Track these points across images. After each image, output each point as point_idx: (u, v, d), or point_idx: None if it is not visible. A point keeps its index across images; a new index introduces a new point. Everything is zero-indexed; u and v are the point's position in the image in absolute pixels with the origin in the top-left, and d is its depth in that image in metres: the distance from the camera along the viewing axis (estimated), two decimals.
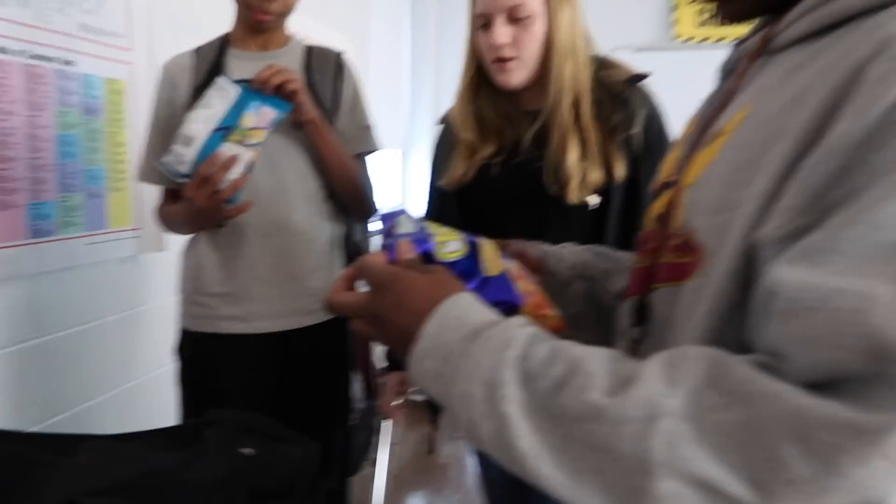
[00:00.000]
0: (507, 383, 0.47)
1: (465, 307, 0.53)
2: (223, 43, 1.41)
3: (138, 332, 1.77)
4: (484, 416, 0.48)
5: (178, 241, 1.50)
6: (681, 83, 4.19)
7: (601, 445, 0.44)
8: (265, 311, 1.38)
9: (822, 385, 0.40)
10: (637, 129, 1.16)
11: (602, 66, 1.22)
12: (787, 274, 0.42)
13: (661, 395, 0.43)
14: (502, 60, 1.15)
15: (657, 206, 0.65)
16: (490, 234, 0.99)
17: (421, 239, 0.61)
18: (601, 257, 0.82)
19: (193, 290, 1.40)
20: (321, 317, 1.42)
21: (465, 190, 1.22)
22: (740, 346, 0.47)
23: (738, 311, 0.49)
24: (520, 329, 0.51)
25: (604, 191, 1.16)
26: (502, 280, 0.61)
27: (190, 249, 1.44)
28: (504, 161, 1.20)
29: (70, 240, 1.55)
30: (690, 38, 4.38)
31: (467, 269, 0.59)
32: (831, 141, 0.43)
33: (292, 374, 1.41)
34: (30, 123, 1.46)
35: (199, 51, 1.42)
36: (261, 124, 1.23)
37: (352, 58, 1.48)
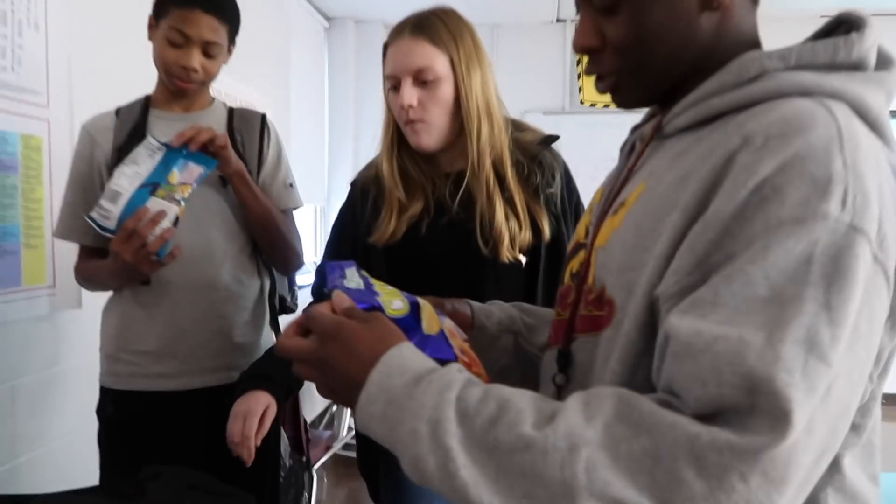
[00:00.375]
0: (449, 420, 0.53)
1: (407, 356, 0.59)
2: (145, 104, 1.43)
3: (54, 393, 1.71)
4: (429, 451, 0.53)
5: (94, 299, 1.47)
6: (586, 143, 4.51)
7: (532, 472, 0.50)
8: (194, 367, 1.37)
9: (711, 416, 0.49)
10: (554, 188, 1.22)
11: (515, 127, 1.26)
12: (678, 322, 0.52)
13: (581, 426, 0.51)
14: (411, 122, 1.17)
15: (574, 264, 0.74)
16: (421, 291, 1.05)
17: (367, 294, 0.66)
18: (526, 313, 0.90)
19: (117, 347, 1.38)
20: None
21: (392, 247, 1.21)
22: (650, 388, 0.55)
23: (645, 357, 0.57)
24: (458, 373, 0.57)
25: (532, 249, 1.20)
26: (441, 338, 0.67)
27: (112, 307, 1.42)
28: (432, 221, 1.20)
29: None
30: (594, 104, 4.72)
31: (409, 327, 0.65)
32: (709, 216, 0.54)
33: (221, 429, 1.39)
34: None
35: (119, 112, 1.42)
36: (187, 180, 1.25)
37: (273, 117, 1.53)
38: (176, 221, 1.24)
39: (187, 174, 1.26)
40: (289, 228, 1.47)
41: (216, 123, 1.43)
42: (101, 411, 1.40)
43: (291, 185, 1.51)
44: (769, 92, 0.58)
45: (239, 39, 1.38)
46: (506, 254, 1.16)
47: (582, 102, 4.70)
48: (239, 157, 1.39)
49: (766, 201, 0.51)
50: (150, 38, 1.35)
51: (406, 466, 0.55)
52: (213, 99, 1.48)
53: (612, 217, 0.67)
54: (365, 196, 1.26)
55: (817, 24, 0.64)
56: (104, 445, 1.40)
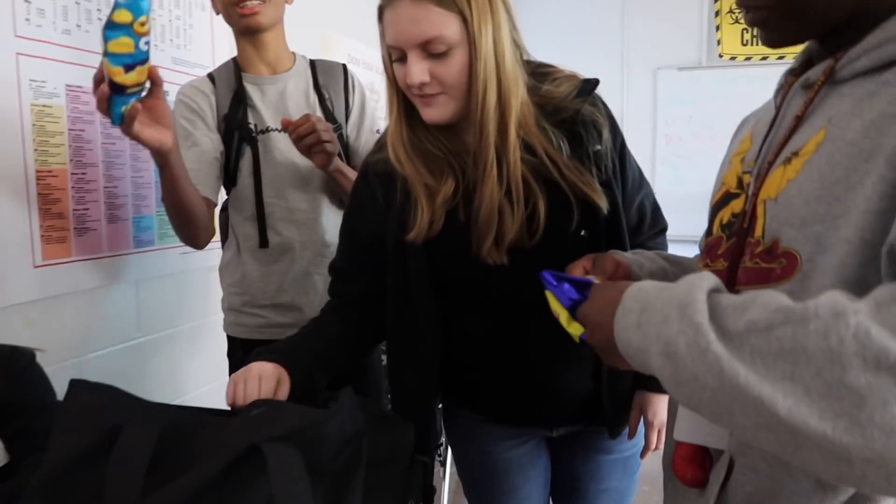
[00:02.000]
0: (699, 301, 0.53)
1: (651, 282, 0.63)
2: (236, 68, 1.46)
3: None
4: (679, 332, 0.53)
5: None
6: (725, 99, 4.25)
7: (792, 348, 0.47)
8: (311, 317, 1.50)
9: None
10: (602, 146, 1.04)
11: (542, 77, 1.05)
12: None
13: (845, 298, 0.48)
14: (425, 97, 0.98)
15: (723, 215, 0.72)
16: (473, 286, 1.06)
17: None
18: (671, 263, 0.90)
19: (242, 302, 1.51)
20: None
21: (433, 241, 1.04)
22: None
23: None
24: (712, 275, 0.58)
25: (588, 223, 1.04)
26: None
27: (232, 266, 1.53)
28: (469, 202, 1.03)
29: (166, 249, 1.73)
30: (734, 57, 4.44)
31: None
32: None
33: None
34: (133, 146, 1.64)
35: (212, 78, 1.47)
36: (105, 32, 1.03)
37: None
38: (115, 87, 1.05)
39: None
40: None
41: (302, 80, 1.49)
42: (232, 356, 1.55)
43: (378, 131, 1.55)
44: None
45: (373, 2, 1.26)
46: (492, 256, 1.01)
47: (721, 56, 4.44)
48: (328, 111, 1.46)
49: None
50: (215, 7, 1.43)
51: (656, 360, 0.55)
52: (295, 55, 1.53)
53: (783, 166, 0.64)
54: (385, 184, 1.08)
55: None
56: None
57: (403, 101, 1.03)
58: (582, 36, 4.44)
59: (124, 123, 1.09)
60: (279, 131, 1.46)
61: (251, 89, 1.46)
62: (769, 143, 0.70)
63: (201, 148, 1.41)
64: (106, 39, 1.03)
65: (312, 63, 1.53)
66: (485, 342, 1.11)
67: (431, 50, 0.94)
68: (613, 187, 1.05)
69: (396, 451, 0.97)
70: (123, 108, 1.08)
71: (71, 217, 1.48)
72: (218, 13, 1.45)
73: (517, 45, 1.01)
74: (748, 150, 0.74)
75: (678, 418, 0.73)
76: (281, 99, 1.46)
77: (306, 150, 1.37)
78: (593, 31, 4.44)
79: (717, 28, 4.46)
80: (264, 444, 0.71)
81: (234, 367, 1.53)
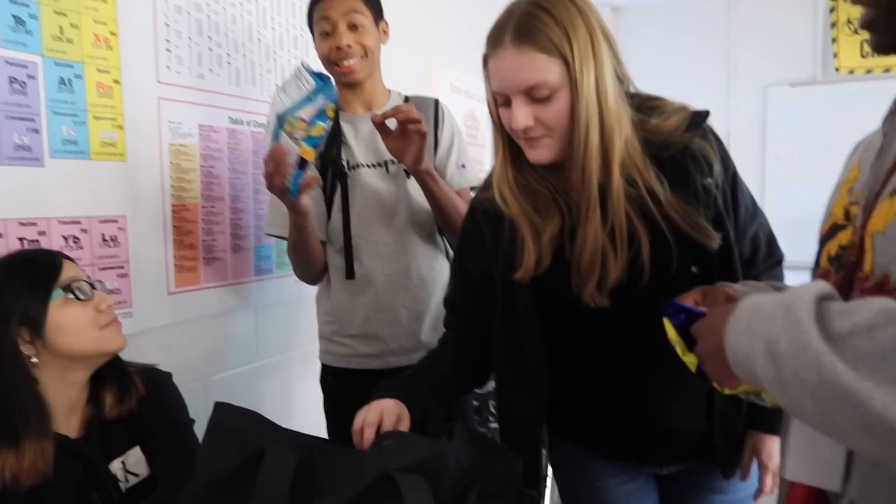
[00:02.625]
0: (805, 301, 0.55)
1: (759, 297, 0.63)
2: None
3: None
4: (783, 330, 0.55)
5: None
6: (843, 116, 4.01)
7: (893, 348, 0.49)
8: (396, 348, 1.54)
9: None
10: (714, 178, 1.02)
11: (650, 111, 1.04)
12: None
13: None
14: (530, 139, 1.00)
15: (831, 248, 0.71)
16: (581, 322, 1.05)
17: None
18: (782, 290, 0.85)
19: (332, 332, 1.57)
20: None
21: (540, 278, 1.04)
22: None
23: None
24: (822, 284, 0.58)
25: (700, 257, 1.02)
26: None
27: (323, 297, 1.61)
28: (573, 240, 1.02)
29: (283, 278, 1.83)
30: (852, 70, 4.19)
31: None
32: None
33: None
34: (255, 180, 1.75)
35: None
36: (305, 117, 1.23)
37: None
38: (303, 163, 1.25)
39: (309, 110, 1.24)
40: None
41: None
42: (323, 381, 1.62)
43: (464, 166, 1.58)
44: None
45: (475, 34, 1.17)
46: (594, 299, 1.00)
47: (838, 70, 4.20)
48: None
49: None
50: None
51: (760, 360, 0.57)
52: (390, 91, 1.58)
53: (891, 198, 0.62)
54: (492, 222, 1.10)
55: None
56: (329, 413, 1.62)
57: (509, 142, 1.05)
58: (686, 57, 4.33)
59: (301, 192, 1.29)
60: (369, 167, 1.53)
61: (346, 127, 1.53)
62: (876, 172, 0.67)
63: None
64: (310, 125, 1.23)
65: (406, 99, 1.59)
66: (591, 378, 1.10)
67: (535, 95, 0.96)
68: (725, 221, 1.03)
69: (506, 484, 0.97)
70: (300, 180, 1.27)
71: (200, 247, 1.59)
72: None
73: (621, 78, 1.01)
74: (856, 178, 0.71)
75: (787, 456, 0.71)
76: (373, 135, 1.52)
77: (397, 144, 1.36)
78: (699, 53, 4.32)
79: (834, 40, 4.22)
80: (396, 474, 0.73)
81: (325, 393, 1.61)
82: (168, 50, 1.50)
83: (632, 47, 4.66)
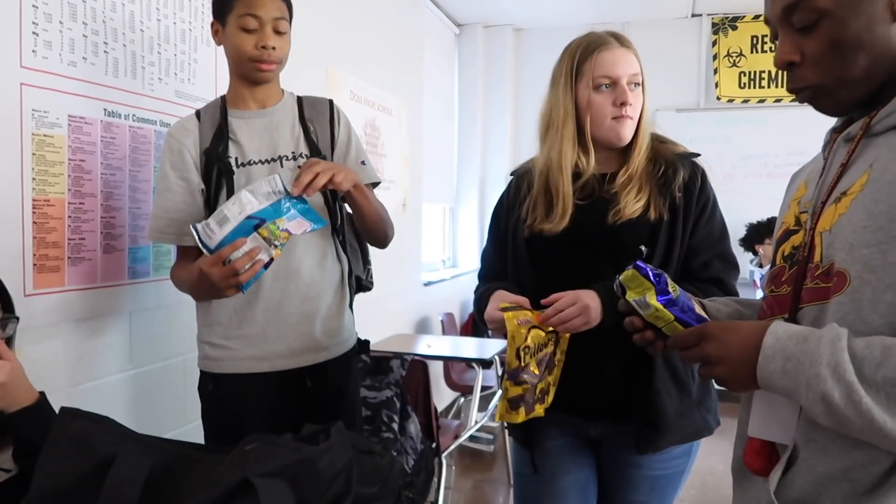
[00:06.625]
0: (846, 362, 0.69)
1: (785, 327, 0.76)
2: (223, 105, 1.48)
3: None
4: (834, 388, 0.69)
5: None
6: (723, 139, 4.29)
7: None
8: (284, 350, 1.48)
9: None
10: (675, 185, 1.34)
11: (659, 141, 1.42)
12: None
13: None
14: (623, 117, 1.34)
15: (785, 248, 0.87)
16: (560, 277, 1.29)
17: (691, 311, 0.95)
18: (744, 305, 1.06)
19: (212, 334, 1.48)
20: (333, 353, 1.52)
21: (560, 234, 1.35)
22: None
23: None
24: (838, 328, 0.72)
25: (650, 240, 1.32)
26: (682, 294, 0.97)
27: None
28: (586, 208, 1.35)
29: (161, 281, 1.72)
30: (731, 99, 4.51)
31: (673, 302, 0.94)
32: None
33: (308, 406, 1.50)
34: (132, 178, 1.65)
35: (199, 114, 1.49)
36: (293, 230, 1.29)
37: (408, 119, 1.58)
38: (269, 263, 1.28)
39: (294, 225, 1.29)
40: (382, 207, 1.53)
41: (289, 115, 1.51)
42: (202, 390, 1.51)
43: (363, 162, 1.56)
44: None
45: (376, 45, 1.40)
46: (624, 213, 1.32)
47: (719, 98, 4.51)
48: (312, 144, 1.48)
49: None
50: (220, 42, 1.46)
51: (812, 404, 0.71)
52: (283, 91, 1.55)
53: (834, 205, 0.79)
54: (521, 187, 1.42)
55: None
56: (207, 422, 1.52)
57: (576, 123, 1.36)
58: None
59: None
60: (262, 163, 1.46)
61: (237, 123, 1.48)
62: (820, 187, 0.84)
63: (173, 195, 1.44)
64: (291, 236, 1.30)
65: (299, 99, 1.56)
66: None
67: (635, 80, 1.39)
68: (677, 219, 1.31)
69: (384, 487, 0.95)
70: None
71: (66, 246, 1.48)
72: (219, 44, 1.48)
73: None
74: (803, 194, 0.89)
75: (751, 417, 0.86)
76: (266, 131, 1.48)
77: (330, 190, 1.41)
78: None
79: (715, 71, 4.54)
80: (256, 479, 0.69)
81: (204, 402, 1.51)
82: (35, 33, 1.39)
83: (532, 67, 4.81)
